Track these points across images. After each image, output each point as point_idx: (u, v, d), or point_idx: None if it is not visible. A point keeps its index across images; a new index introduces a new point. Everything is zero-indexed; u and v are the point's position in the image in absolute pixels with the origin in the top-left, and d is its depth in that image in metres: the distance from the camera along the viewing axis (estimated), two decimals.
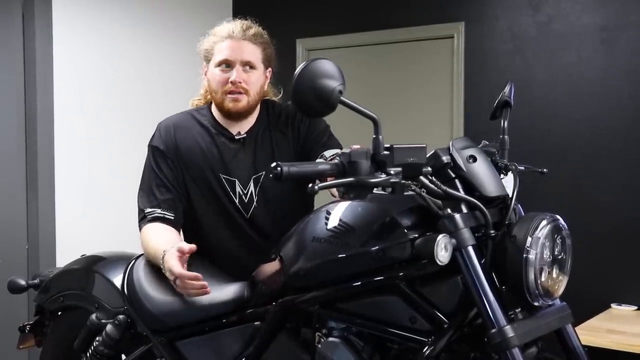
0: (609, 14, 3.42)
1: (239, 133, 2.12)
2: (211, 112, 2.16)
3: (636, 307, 3.31)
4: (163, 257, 1.86)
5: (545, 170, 1.76)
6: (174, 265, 1.78)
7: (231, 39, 2.08)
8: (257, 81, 2.09)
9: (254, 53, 2.08)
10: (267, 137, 2.13)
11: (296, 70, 1.37)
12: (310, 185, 1.30)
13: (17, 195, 3.47)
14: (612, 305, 3.34)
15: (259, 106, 2.17)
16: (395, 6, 4.04)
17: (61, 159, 3.56)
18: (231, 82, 2.04)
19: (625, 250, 3.36)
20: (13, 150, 3.46)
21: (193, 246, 1.80)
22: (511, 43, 3.69)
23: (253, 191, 2.08)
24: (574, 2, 3.51)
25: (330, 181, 1.35)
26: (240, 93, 2.05)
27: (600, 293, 3.35)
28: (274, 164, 1.35)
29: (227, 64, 2.07)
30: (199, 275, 1.76)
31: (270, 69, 2.17)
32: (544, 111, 3.57)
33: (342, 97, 1.38)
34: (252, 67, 2.07)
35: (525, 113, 3.49)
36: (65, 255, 3.33)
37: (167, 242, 1.93)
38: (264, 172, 2.08)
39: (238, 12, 4.42)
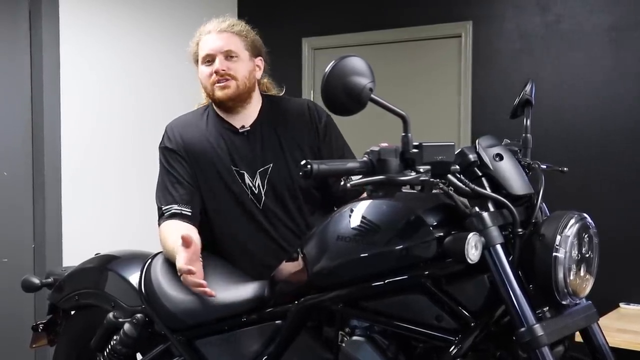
0: (617, 13, 3.42)
1: (242, 127, 2.14)
2: (214, 109, 2.19)
3: None
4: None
5: (566, 169, 1.77)
6: (178, 259, 1.79)
7: (209, 34, 2.13)
8: (242, 68, 2.11)
9: (233, 42, 2.12)
10: (272, 131, 2.14)
11: (327, 68, 1.36)
12: (342, 182, 1.30)
13: (23, 194, 3.44)
14: (621, 304, 3.34)
15: (260, 100, 2.19)
16: (402, 5, 4.03)
17: (68, 157, 3.54)
18: (215, 71, 2.08)
19: (634, 250, 3.36)
20: (19, 149, 3.43)
21: (187, 235, 1.79)
22: (519, 42, 3.68)
23: (260, 184, 2.09)
24: (582, 2, 3.50)
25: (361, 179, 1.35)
26: (226, 80, 2.08)
27: (609, 292, 3.34)
28: (303, 162, 1.35)
29: (210, 58, 2.11)
30: (197, 272, 1.76)
31: (260, 58, 2.19)
32: (552, 111, 3.56)
33: (372, 95, 1.37)
34: (234, 55, 2.10)
35: (533, 113, 3.47)
36: (72, 254, 3.32)
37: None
38: (271, 165, 2.10)
39: (243, 11, 4.41)
